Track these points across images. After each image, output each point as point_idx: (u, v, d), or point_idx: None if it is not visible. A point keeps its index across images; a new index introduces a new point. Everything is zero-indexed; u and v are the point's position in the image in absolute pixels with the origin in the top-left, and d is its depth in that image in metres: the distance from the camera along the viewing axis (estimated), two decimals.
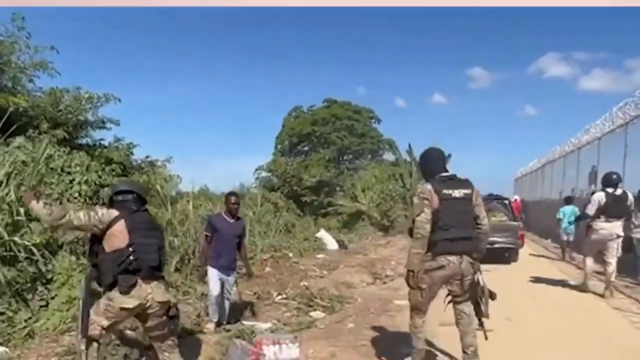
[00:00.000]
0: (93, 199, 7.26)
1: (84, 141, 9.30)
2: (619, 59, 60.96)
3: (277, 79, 53.01)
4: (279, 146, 33.75)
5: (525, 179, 25.21)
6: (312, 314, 5.54)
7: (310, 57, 54.19)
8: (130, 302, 2.72)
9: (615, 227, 6.11)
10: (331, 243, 12.30)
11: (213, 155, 49.75)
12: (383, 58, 54.06)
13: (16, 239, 5.01)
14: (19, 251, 4.92)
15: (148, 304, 2.77)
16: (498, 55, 55.52)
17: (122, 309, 2.73)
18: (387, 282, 7.81)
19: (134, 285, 2.72)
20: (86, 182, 7.23)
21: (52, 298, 4.82)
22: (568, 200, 10.54)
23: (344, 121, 32.16)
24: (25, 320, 4.34)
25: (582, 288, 6.77)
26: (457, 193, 3.21)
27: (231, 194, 5.07)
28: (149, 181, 8.48)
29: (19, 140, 7.04)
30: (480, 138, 57.65)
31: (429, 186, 3.20)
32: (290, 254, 9.74)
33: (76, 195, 6.89)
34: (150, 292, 2.77)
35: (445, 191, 3.17)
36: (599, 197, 6.18)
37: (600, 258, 6.41)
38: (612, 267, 6.20)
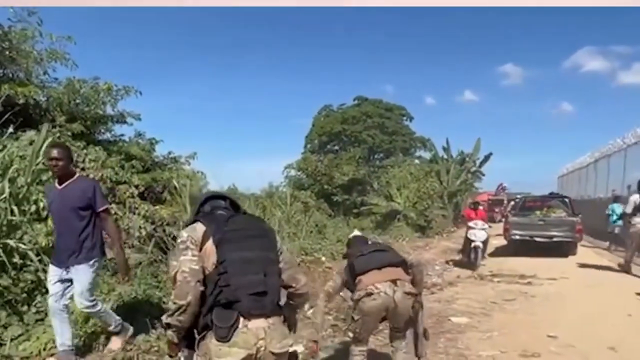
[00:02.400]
0: (108, 197, 6.64)
1: (103, 136, 8.73)
2: None
3: (305, 79, 52.53)
4: (309, 145, 33.14)
5: (573, 176, 23.43)
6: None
7: (337, 56, 53.38)
8: (232, 354, 1.69)
9: None
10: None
11: (242, 155, 49.74)
12: (411, 55, 52.76)
13: (10, 242, 4.35)
14: (13, 256, 4.27)
15: (259, 355, 1.74)
16: (531, 50, 53.05)
17: None
18: (435, 292, 6.78)
19: (234, 326, 1.72)
20: (101, 178, 6.62)
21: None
22: (616, 199, 11.68)
23: (375, 119, 31.26)
24: (16, 337, 3.68)
25: (624, 268, 8.39)
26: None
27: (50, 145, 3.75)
28: (170, 178, 7.79)
29: (29, 134, 6.48)
30: (516, 136, 55.49)
31: None
32: (323, 258, 8.86)
33: None
34: (262, 337, 1.74)
35: None
36: (635, 198, 7.97)
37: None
38: None
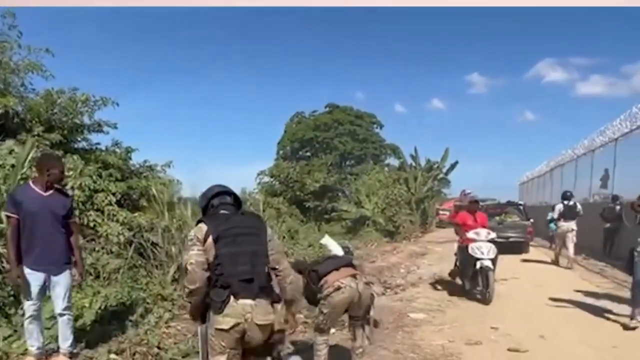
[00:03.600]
0: (87, 205, 6.87)
1: (80, 145, 8.88)
2: (616, 64, 60.64)
3: (276, 84, 52.91)
4: (281, 152, 33.51)
5: (532, 183, 24.77)
6: None
7: (308, 62, 54.07)
8: (225, 322, 2.26)
9: (571, 225, 9.79)
10: (336, 250, 11.74)
11: (214, 161, 49.48)
12: (380, 63, 54.05)
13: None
14: (1, 261, 4.53)
15: (246, 326, 2.29)
16: (495, 61, 55.48)
17: (217, 329, 2.28)
18: (398, 292, 7.34)
19: (225, 301, 2.27)
20: (80, 186, 6.84)
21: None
22: (553, 208, 12.74)
23: (346, 126, 31.96)
24: (6, 338, 3.94)
25: (554, 262, 10.52)
26: None
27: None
28: (147, 186, 8.05)
29: (8, 143, 6.66)
30: (481, 144, 57.53)
31: None
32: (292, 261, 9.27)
33: None
34: (249, 312, 2.28)
35: None
36: (559, 207, 10.07)
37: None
38: (571, 250, 9.84)
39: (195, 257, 2.31)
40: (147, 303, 4.75)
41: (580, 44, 54.63)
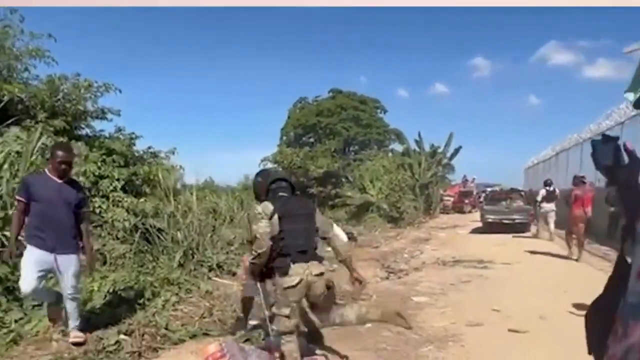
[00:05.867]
0: (92, 191, 6.93)
1: (83, 132, 8.92)
2: (622, 46, 59.22)
3: (280, 70, 52.55)
4: (284, 138, 33.38)
5: (538, 168, 24.65)
6: None
7: (311, 48, 53.59)
8: (292, 280, 2.89)
9: (551, 206, 11.51)
10: (340, 235, 11.87)
11: (218, 148, 49.52)
12: (384, 47, 53.42)
13: (8, 233, 4.67)
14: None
15: (309, 279, 2.93)
16: (499, 44, 54.64)
17: (285, 288, 2.89)
18: (401, 276, 7.41)
19: (288, 266, 2.91)
20: (84, 173, 6.90)
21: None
22: (538, 192, 14.15)
23: (350, 111, 31.71)
24: (17, 321, 4.03)
25: (535, 235, 13.09)
26: None
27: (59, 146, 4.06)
28: (150, 172, 8.10)
29: (13, 130, 6.70)
30: (485, 129, 57.10)
31: None
32: None
33: None
34: (306, 269, 2.93)
35: None
36: (542, 192, 11.72)
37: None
38: (552, 225, 11.63)
39: (263, 228, 2.91)
40: (154, 287, 4.83)
41: (586, 26, 53.71)
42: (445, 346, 4.01)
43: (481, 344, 4.07)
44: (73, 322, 3.66)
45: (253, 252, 2.98)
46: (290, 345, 3.01)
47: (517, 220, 14.33)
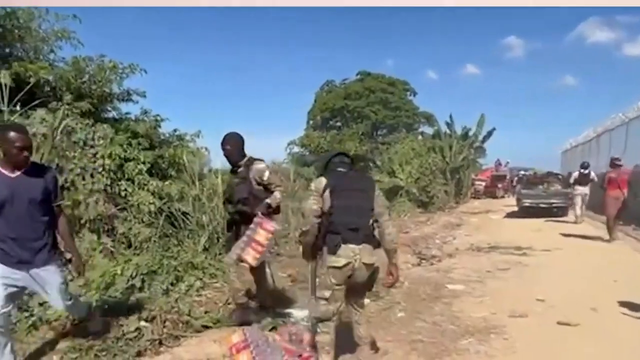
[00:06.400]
0: (117, 174, 6.86)
1: (110, 114, 8.89)
2: None
3: (307, 53, 51.92)
4: (311, 122, 33.10)
5: (576, 151, 23.46)
6: None
7: (338, 30, 52.56)
8: (338, 261, 2.73)
9: (584, 190, 11.71)
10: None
11: (244, 132, 49.42)
12: (411, 29, 51.76)
13: None
14: None
15: (356, 265, 2.74)
16: (534, 22, 51.96)
17: (330, 267, 2.76)
18: (434, 263, 7.06)
19: (337, 245, 2.73)
20: (110, 155, 6.81)
21: (71, 280, 4.44)
22: (570, 174, 14.32)
23: (378, 94, 31.07)
24: (41, 304, 3.96)
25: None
26: None
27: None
28: (175, 155, 7.98)
29: (40, 112, 6.67)
30: (519, 111, 55.00)
31: None
32: None
33: (100, 169, 6.47)
34: (357, 254, 2.74)
35: None
36: (575, 174, 12.07)
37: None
38: (578, 208, 11.91)
39: (311, 205, 2.80)
40: (178, 271, 4.68)
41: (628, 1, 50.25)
42: (486, 339, 3.68)
43: (527, 336, 3.73)
44: (78, 314, 3.27)
45: (301, 228, 2.89)
46: (326, 336, 2.83)
47: (555, 204, 14.02)
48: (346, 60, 52.59)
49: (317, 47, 52.41)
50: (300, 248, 3.07)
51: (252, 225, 3.55)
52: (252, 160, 3.78)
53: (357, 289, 2.89)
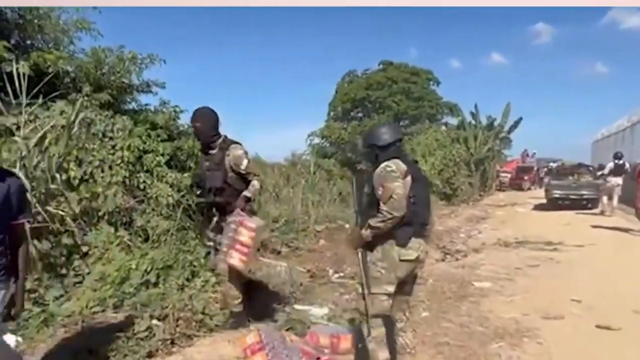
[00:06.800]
0: (136, 166, 6.81)
1: (129, 106, 8.86)
2: None
3: (327, 43, 51.41)
4: (332, 113, 32.80)
5: (608, 141, 22.49)
6: None
7: (359, 19, 51.76)
8: (410, 254, 2.55)
9: (618, 180, 11.33)
10: None
11: (264, 123, 49.79)
12: (434, 17, 50.53)
13: (50, 208, 4.58)
14: (53, 222, 4.49)
15: (421, 257, 2.62)
16: (563, 7, 49.92)
17: (402, 260, 2.54)
18: (459, 258, 6.79)
19: (409, 238, 2.55)
20: (129, 147, 6.76)
21: (88, 273, 4.38)
22: (604, 166, 13.83)
23: (400, 84, 30.49)
24: (57, 298, 3.91)
25: (601, 210, 12.17)
26: None
27: None
28: (194, 147, 7.89)
29: (60, 104, 6.65)
30: (546, 100, 53.24)
31: None
32: (347, 225, 8.94)
33: (118, 161, 6.43)
34: (423, 246, 2.63)
35: None
36: (610, 165, 11.67)
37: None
38: (615, 201, 11.67)
39: (400, 188, 2.45)
40: (194, 266, 4.57)
41: None
42: (519, 343, 3.43)
43: (563, 341, 3.46)
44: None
45: (384, 214, 2.42)
46: (380, 330, 2.60)
47: (585, 196, 13.77)
48: (368, 49, 51.82)
49: (338, 37, 51.79)
50: (356, 236, 2.62)
51: (232, 224, 3.21)
52: (228, 142, 3.40)
53: (410, 286, 2.75)
